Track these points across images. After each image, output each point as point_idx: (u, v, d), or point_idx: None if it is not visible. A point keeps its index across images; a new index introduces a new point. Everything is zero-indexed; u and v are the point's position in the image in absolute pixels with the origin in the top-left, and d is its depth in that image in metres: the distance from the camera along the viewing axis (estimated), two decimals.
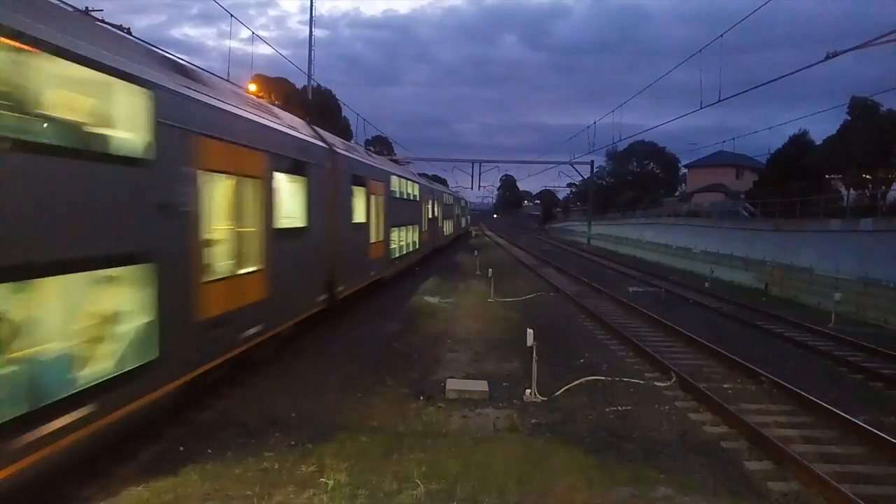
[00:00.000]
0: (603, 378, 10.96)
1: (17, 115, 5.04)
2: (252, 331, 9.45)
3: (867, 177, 35.28)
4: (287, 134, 11.54)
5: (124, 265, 6.42)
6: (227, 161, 8.77)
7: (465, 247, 52.19)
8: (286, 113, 13.32)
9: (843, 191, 36.96)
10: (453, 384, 10.16)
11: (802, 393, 10.08)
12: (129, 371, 6.29)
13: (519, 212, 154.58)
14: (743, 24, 18.03)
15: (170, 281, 7.04)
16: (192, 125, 7.66)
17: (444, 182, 71.33)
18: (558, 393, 10.04)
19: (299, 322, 12.04)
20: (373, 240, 18.43)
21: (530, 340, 10.03)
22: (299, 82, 45.13)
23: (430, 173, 58.60)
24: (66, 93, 5.86)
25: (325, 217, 13.39)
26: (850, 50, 14.86)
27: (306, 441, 7.65)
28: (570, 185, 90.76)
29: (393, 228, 21.80)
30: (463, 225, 67.98)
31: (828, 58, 15.25)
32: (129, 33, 8.81)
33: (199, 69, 10.01)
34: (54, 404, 5.28)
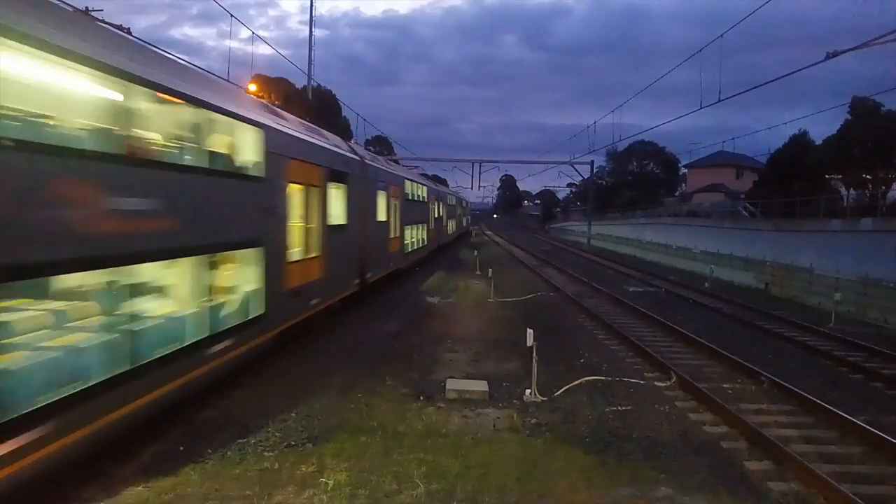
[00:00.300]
0: (603, 378, 10.95)
1: (195, 150, 8.07)
2: (314, 301, 12.58)
3: (867, 177, 35.26)
4: (334, 151, 14.68)
5: (249, 248, 9.50)
6: (302, 175, 11.84)
7: (466, 245, 52.73)
8: (329, 133, 16.23)
9: (843, 191, 36.95)
10: (453, 384, 10.16)
11: (802, 393, 10.08)
12: (252, 319, 9.42)
13: (519, 212, 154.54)
14: (743, 24, 18.04)
15: (271, 261, 10.02)
16: (284, 151, 10.81)
17: (444, 182, 71.39)
18: (558, 393, 10.04)
19: (342, 299, 15.12)
20: (391, 236, 21.42)
21: (530, 340, 10.04)
22: (299, 82, 45.14)
23: (430, 173, 58.66)
24: (223, 136, 8.94)
25: (358, 217, 16.27)
26: (850, 50, 14.87)
27: (306, 441, 7.65)
28: (570, 185, 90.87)
29: (406, 226, 24.59)
30: (464, 224, 70.67)
31: (828, 58, 15.25)
32: (129, 33, 8.81)
33: (281, 109, 13.22)
34: (222, 333, 8.43)
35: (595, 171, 67.83)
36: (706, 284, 27.47)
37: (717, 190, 58.06)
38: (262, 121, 10.00)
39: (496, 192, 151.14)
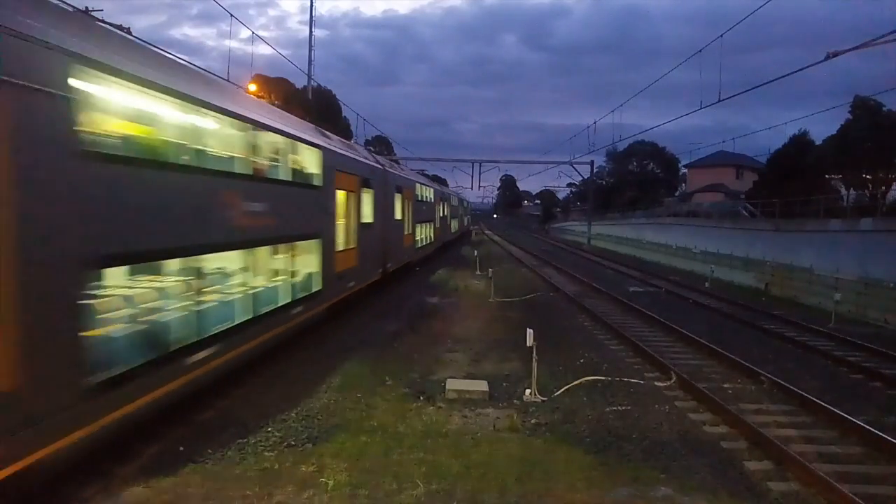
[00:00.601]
0: (603, 378, 10.95)
1: (285, 168, 11.43)
2: (351, 284, 15.83)
3: (867, 177, 35.25)
4: (364, 162, 18.15)
5: (314, 239, 12.65)
6: (344, 183, 15.04)
7: (467, 245, 52.88)
8: (359, 146, 21.22)
9: (843, 191, 36.94)
10: (453, 384, 10.16)
11: (802, 393, 10.09)
12: (314, 292, 12.64)
13: (519, 212, 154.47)
14: (743, 23, 18.03)
15: (325, 249, 13.23)
16: (334, 165, 14.07)
17: (444, 182, 71.45)
18: (558, 393, 10.04)
19: (370, 284, 18.38)
20: (406, 233, 24.69)
21: (530, 340, 10.04)
22: (299, 82, 45.13)
23: (430, 173, 58.77)
24: (299, 156, 12.34)
25: (381, 216, 19.35)
26: (850, 50, 14.84)
27: (306, 441, 7.65)
28: (570, 185, 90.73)
29: (417, 224, 27.86)
30: (465, 224, 72.96)
31: (828, 58, 15.22)
32: (129, 33, 8.80)
33: (327, 132, 15.59)
34: (300, 300, 11.74)
35: (595, 171, 67.89)
36: (706, 284, 27.48)
37: (717, 190, 58.03)
38: (320, 143, 13.52)
39: (496, 192, 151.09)
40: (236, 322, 9.12)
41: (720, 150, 53.88)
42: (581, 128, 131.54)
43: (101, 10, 8.92)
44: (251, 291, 9.85)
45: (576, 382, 10.54)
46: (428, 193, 32.65)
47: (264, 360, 10.77)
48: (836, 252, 22.71)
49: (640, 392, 10.37)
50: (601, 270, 34.46)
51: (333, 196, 14.12)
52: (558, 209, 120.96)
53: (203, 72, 9.78)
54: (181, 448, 7.30)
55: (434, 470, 6.86)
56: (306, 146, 12.56)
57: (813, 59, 16.13)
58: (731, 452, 7.86)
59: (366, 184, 17.32)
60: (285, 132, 11.45)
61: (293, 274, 11.81)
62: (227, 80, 15.80)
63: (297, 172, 12.19)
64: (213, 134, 8.93)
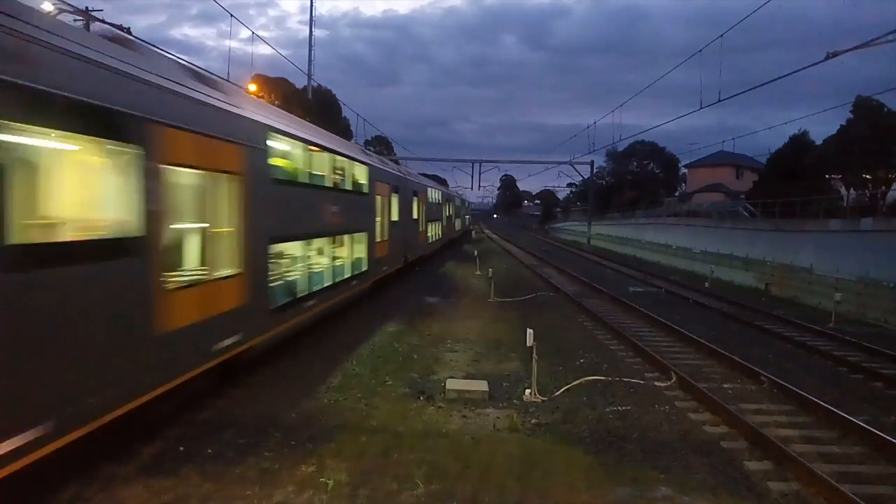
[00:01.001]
0: (603, 378, 10.95)
1: (348, 180, 15.67)
2: (385, 268, 20.01)
3: (867, 177, 35.26)
4: (393, 173, 23.21)
5: (363, 232, 16.77)
6: (382, 190, 19.37)
7: (467, 244, 53.04)
8: (388, 160, 28.02)
9: (843, 191, 36.94)
10: (453, 384, 10.16)
11: (802, 393, 10.08)
12: (362, 272, 16.47)
13: (519, 212, 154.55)
14: (743, 24, 18.04)
15: (370, 240, 17.33)
16: (376, 177, 18.47)
17: (444, 182, 71.50)
18: (558, 393, 10.04)
19: (395, 270, 22.44)
20: (420, 230, 28.88)
21: (530, 340, 10.04)
22: (299, 82, 45.13)
23: (430, 173, 58.91)
24: (355, 171, 16.35)
25: (403, 216, 23.53)
26: (850, 50, 14.86)
27: (306, 441, 7.65)
28: (570, 185, 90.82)
29: (428, 223, 32.13)
30: (466, 223, 75.55)
31: (828, 58, 15.25)
32: (129, 33, 8.81)
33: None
34: (356, 275, 15.88)
35: (595, 171, 67.87)
36: (706, 284, 27.48)
37: (717, 190, 58.04)
38: (368, 161, 18.25)
39: (496, 193, 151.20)
40: (326, 284, 13.44)
41: (720, 150, 53.96)
42: (581, 128, 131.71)
43: (101, 10, 8.94)
44: (335, 266, 14.40)
45: (576, 382, 10.54)
46: (437, 196, 38.14)
47: (264, 360, 10.77)
48: (837, 252, 22.72)
49: (640, 392, 10.37)
50: (601, 270, 34.45)
51: (375, 200, 18.41)
52: (558, 209, 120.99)
53: (304, 123, 14.33)
54: (181, 448, 7.29)
55: (434, 470, 6.86)
56: (358, 164, 16.87)
57: (813, 59, 16.15)
58: (732, 452, 7.85)
59: (394, 190, 21.80)
60: (348, 155, 15.96)
61: (354, 256, 16.05)
62: (228, 80, 15.85)
63: (355, 183, 16.47)
64: (315, 161, 13.34)
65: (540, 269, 33.30)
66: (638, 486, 6.68)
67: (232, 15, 17.70)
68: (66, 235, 5.69)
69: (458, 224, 56.98)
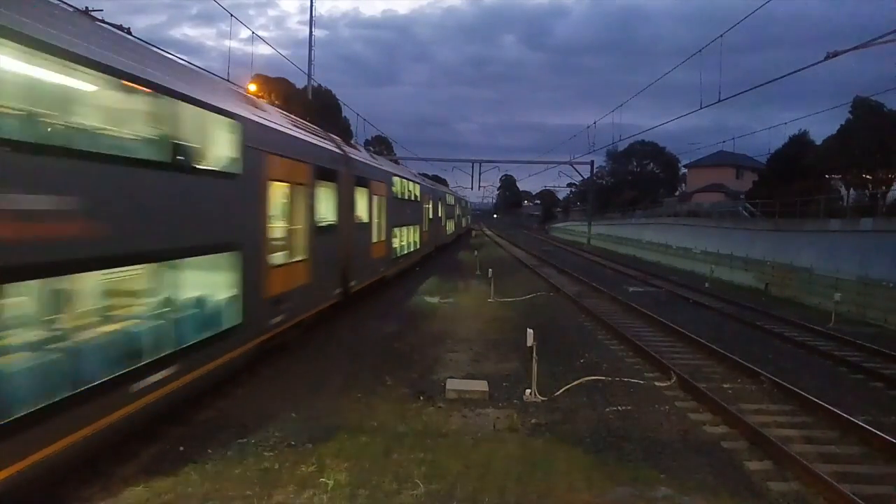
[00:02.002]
0: (603, 378, 10.95)
1: (411, 194, 28.37)
2: (433, 246, 34.46)
3: (867, 177, 35.25)
4: (423, 184, 31.21)
5: (416, 226, 28.46)
6: (430, 200, 32.84)
7: (467, 244, 53.70)
8: (412, 171, 35.22)
9: (843, 191, 36.94)
10: (453, 384, 10.16)
11: (802, 393, 10.08)
12: (419, 247, 29.40)
13: (519, 212, 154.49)
14: (743, 23, 18.03)
15: (421, 229, 29.93)
16: (428, 193, 32.96)
17: (444, 182, 71.55)
18: (558, 393, 10.04)
19: (422, 257, 30.82)
20: (442, 225, 38.60)
21: (530, 340, 10.03)
22: (299, 82, 45.12)
23: (430, 173, 59.10)
24: (411, 189, 28.24)
25: (425, 216, 31.51)
26: (850, 50, 14.84)
27: (306, 441, 7.65)
28: (570, 185, 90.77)
29: (448, 220, 42.33)
30: (468, 221, 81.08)
31: (828, 58, 15.23)
32: (129, 33, 8.80)
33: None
34: (406, 254, 25.82)
35: (595, 171, 67.84)
36: (706, 284, 27.47)
37: (717, 190, 58.02)
38: (421, 182, 29.49)
39: (496, 192, 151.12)
40: (412, 250, 25.20)
41: (720, 150, 53.87)
42: (581, 128, 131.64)
43: (101, 10, 8.93)
44: (411, 241, 25.17)
45: (576, 382, 10.54)
46: (451, 199, 47.32)
47: (264, 360, 10.77)
48: (836, 252, 22.71)
49: (640, 392, 10.37)
50: (601, 270, 34.45)
51: (424, 205, 27.29)
52: (558, 209, 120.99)
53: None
54: (181, 448, 7.29)
55: (434, 470, 6.86)
56: (416, 183, 25.43)
57: (813, 59, 16.14)
58: (732, 452, 7.85)
59: (418, 198, 29.23)
60: (408, 178, 25.94)
61: (414, 238, 26.00)
62: (228, 81, 15.82)
63: (414, 195, 26.99)
64: (396, 182, 20.34)
65: (540, 268, 33.29)
66: (638, 486, 6.68)
67: (232, 15, 17.66)
68: (322, 222, 13.49)
69: (464, 222, 70.44)
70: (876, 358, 13.53)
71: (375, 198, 19.13)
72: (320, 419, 8.47)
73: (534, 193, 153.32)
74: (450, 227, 49.15)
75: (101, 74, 6.13)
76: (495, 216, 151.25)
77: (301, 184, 12.06)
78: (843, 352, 13.99)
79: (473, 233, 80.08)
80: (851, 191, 36.36)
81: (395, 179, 23.61)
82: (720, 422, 9.03)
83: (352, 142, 22.69)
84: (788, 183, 36.35)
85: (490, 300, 20.66)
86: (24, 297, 5.40)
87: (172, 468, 6.73)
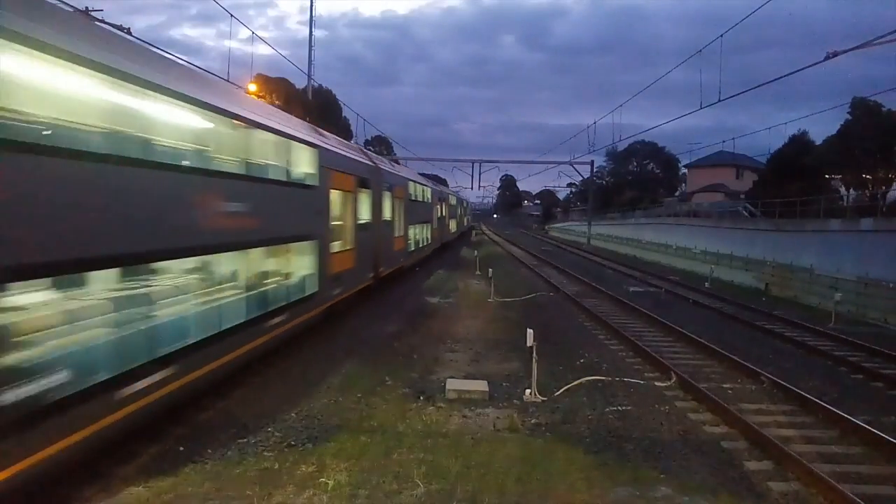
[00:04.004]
0: (603, 378, 10.95)
1: (422, 196, 33.60)
2: (446, 237, 44.43)
3: (867, 177, 35.25)
4: (432, 187, 36.24)
5: (427, 223, 33.16)
6: (446, 208, 43.68)
7: (468, 243, 53.94)
8: (420, 175, 38.04)
9: (843, 191, 36.93)
10: (453, 384, 10.16)
11: (802, 393, 10.08)
12: (430, 241, 34.66)
13: (519, 212, 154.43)
14: (743, 23, 18.03)
15: (432, 226, 35.34)
16: (438, 194, 39.15)
17: (444, 182, 71.61)
18: (558, 393, 10.04)
19: (434, 250, 36.36)
20: (446, 223, 41.77)
21: (530, 340, 10.03)
22: (299, 82, 45.12)
23: (430, 173, 59.31)
24: (422, 192, 32.67)
25: (438, 215, 37.46)
26: (850, 50, 14.84)
27: (306, 441, 7.65)
28: (570, 185, 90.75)
29: (450, 219, 46.39)
30: (470, 220, 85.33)
31: (828, 58, 15.22)
32: (129, 33, 8.81)
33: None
34: (419, 248, 30.19)
35: (595, 171, 67.81)
36: (706, 284, 27.46)
37: (717, 190, 58.00)
38: (431, 186, 34.26)
39: (496, 192, 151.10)
40: (425, 244, 30.67)
41: (720, 150, 53.82)
42: (581, 128, 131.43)
43: (101, 10, 8.94)
44: (425, 236, 30.70)
45: (576, 382, 10.54)
46: (454, 200, 52.87)
47: (265, 360, 10.77)
48: (837, 252, 22.71)
49: (640, 392, 10.37)
50: (601, 270, 34.45)
51: (436, 205, 29.51)
52: (558, 209, 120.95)
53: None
54: (181, 448, 7.29)
55: (434, 470, 6.86)
56: (453, 195, 39.32)
57: (813, 59, 16.11)
58: (732, 452, 7.85)
59: (438, 201, 36.26)
60: (420, 182, 30.79)
61: (426, 234, 29.77)
62: (228, 81, 15.85)
63: (425, 197, 31.41)
64: (411, 187, 24.99)
65: (540, 268, 33.30)
66: (638, 486, 6.68)
67: (232, 15, 17.66)
68: (361, 220, 16.72)
69: (466, 221, 76.07)
70: (876, 358, 13.53)
71: (397, 201, 22.96)
72: (320, 419, 8.47)
73: (534, 193, 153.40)
74: (453, 225, 53.96)
75: (266, 133, 10.47)
76: (495, 216, 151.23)
77: (348, 191, 15.69)
78: (843, 352, 13.98)
79: (474, 232, 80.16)
80: (851, 191, 36.36)
81: (411, 184, 27.92)
82: (720, 422, 9.03)
83: (387, 159, 31.67)
84: (788, 183, 36.35)
85: (490, 300, 20.65)
86: (235, 258, 9.26)
87: (172, 468, 6.73)
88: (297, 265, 11.90)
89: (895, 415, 9.61)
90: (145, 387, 6.53)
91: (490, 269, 23.67)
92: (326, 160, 13.46)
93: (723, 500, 6.48)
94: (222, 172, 8.80)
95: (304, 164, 12.37)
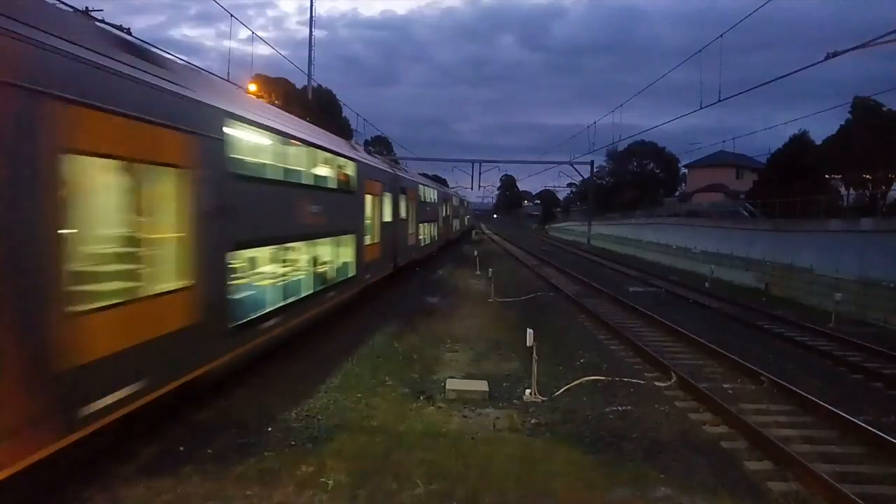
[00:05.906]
0: (603, 378, 10.95)
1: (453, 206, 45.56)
2: (431, 249, 34.27)
3: (867, 177, 35.25)
4: (439, 189, 40.47)
5: (434, 222, 35.20)
6: (439, 202, 38.19)
7: (469, 241, 54.44)
8: (425, 177, 41.11)
9: (844, 191, 36.93)
10: (453, 384, 10.16)
11: (802, 393, 10.08)
12: (428, 243, 32.81)
13: (519, 212, 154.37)
14: (743, 23, 18.04)
15: (440, 224, 38.30)
16: (446, 199, 44.19)
17: (444, 182, 71.66)
18: (558, 393, 10.04)
19: (439, 248, 38.39)
20: (450, 223, 44.18)
21: (530, 340, 10.03)
22: (299, 82, 45.10)
23: (430, 173, 59.50)
24: (427, 191, 34.23)
25: (440, 215, 38.08)
26: (850, 50, 14.84)
27: (306, 441, 7.65)
28: (570, 185, 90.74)
29: (453, 220, 48.85)
30: (470, 220, 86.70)
31: (828, 58, 15.23)
32: (129, 33, 8.80)
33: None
34: (427, 244, 32.23)
35: (595, 171, 67.77)
36: (706, 284, 27.47)
37: (717, 190, 58.03)
38: (437, 188, 37.83)
39: (496, 193, 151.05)
40: (433, 241, 33.14)
41: (720, 150, 53.86)
42: (581, 128, 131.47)
43: (101, 11, 8.93)
44: (438, 230, 35.24)
45: (576, 382, 10.54)
46: (456, 201, 55.55)
47: (265, 360, 10.77)
48: (837, 252, 22.70)
49: (640, 392, 10.37)
50: (601, 270, 34.45)
51: (441, 206, 31.44)
52: (558, 209, 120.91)
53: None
54: (181, 448, 7.29)
55: (434, 470, 6.86)
56: (430, 187, 32.75)
57: (813, 59, 16.12)
58: (732, 452, 7.85)
59: (446, 201, 39.34)
60: (429, 185, 33.92)
61: (436, 230, 33.68)
62: (228, 81, 15.89)
63: (431, 199, 32.37)
64: (422, 189, 27.44)
65: (540, 268, 33.30)
66: (638, 486, 6.68)
67: (232, 15, 17.69)
68: (384, 219, 19.67)
69: (467, 221, 78.61)
70: (876, 358, 13.53)
71: (411, 202, 25.97)
72: (320, 419, 8.47)
73: (534, 193, 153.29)
74: (456, 224, 56.83)
75: (326, 153, 13.97)
76: (495, 216, 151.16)
77: (376, 195, 18.50)
78: (843, 352, 13.99)
79: (474, 232, 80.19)
80: (851, 191, 36.35)
81: (421, 187, 31.07)
82: (720, 422, 9.03)
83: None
84: (788, 183, 36.34)
85: (490, 300, 20.65)
86: (314, 247, 12.91)
87: (172, 468, 6.72)
88: (344, 253, 15.22)
89: (895, 415, 9.62)
90: (297, 310, 11.47)
91: (490, 269, 23.67)
92: (362, 170, 16.65)
93: (723, 500, 6.48)
94: (311, 185, 12.85)
95: (349, 175, 15.59)
